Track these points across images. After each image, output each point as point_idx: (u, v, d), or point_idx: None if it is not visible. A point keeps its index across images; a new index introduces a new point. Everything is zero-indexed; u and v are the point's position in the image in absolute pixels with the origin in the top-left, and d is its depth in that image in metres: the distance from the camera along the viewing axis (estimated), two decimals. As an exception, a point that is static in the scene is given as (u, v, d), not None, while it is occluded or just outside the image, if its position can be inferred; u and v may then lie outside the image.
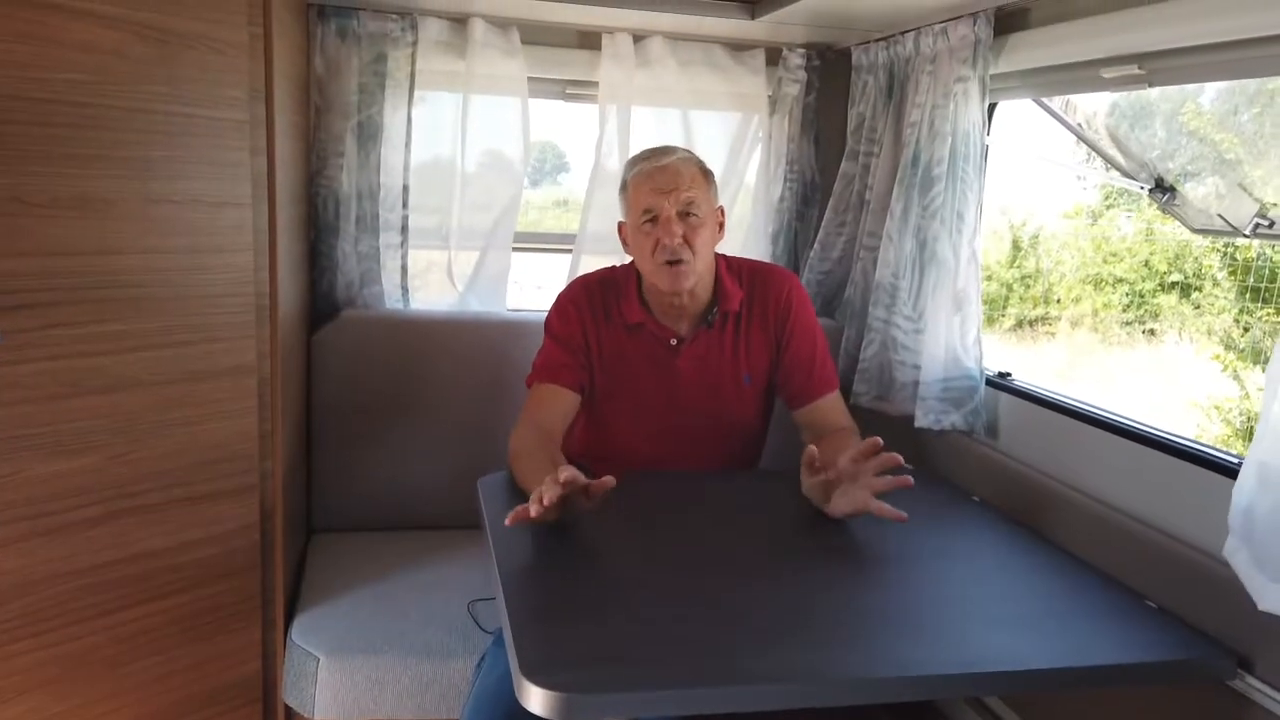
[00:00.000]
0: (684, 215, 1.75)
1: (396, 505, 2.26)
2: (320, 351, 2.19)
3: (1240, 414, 5.74)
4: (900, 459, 1.50)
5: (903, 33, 2.13)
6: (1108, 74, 1.70)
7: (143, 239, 1.55)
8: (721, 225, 1.86)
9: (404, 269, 2.34)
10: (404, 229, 2.32)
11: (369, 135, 2.24)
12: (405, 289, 2.36)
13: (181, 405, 1.63)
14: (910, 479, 1.48)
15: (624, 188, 1.85)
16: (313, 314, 2.28)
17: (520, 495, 1.64)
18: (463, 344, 2.28)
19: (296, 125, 2.02)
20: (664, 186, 1.75)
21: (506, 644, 1.21)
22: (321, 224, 2.25)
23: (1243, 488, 1.22)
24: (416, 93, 2.26)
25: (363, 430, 2.23)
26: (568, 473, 1.37)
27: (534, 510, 1.36)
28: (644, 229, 1.78)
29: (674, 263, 1.75)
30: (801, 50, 2.43)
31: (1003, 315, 9.12)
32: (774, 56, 2.45)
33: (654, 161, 1.79)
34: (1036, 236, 9.29)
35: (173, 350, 1.61)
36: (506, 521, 1.38)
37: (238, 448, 1.70)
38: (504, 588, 1.32)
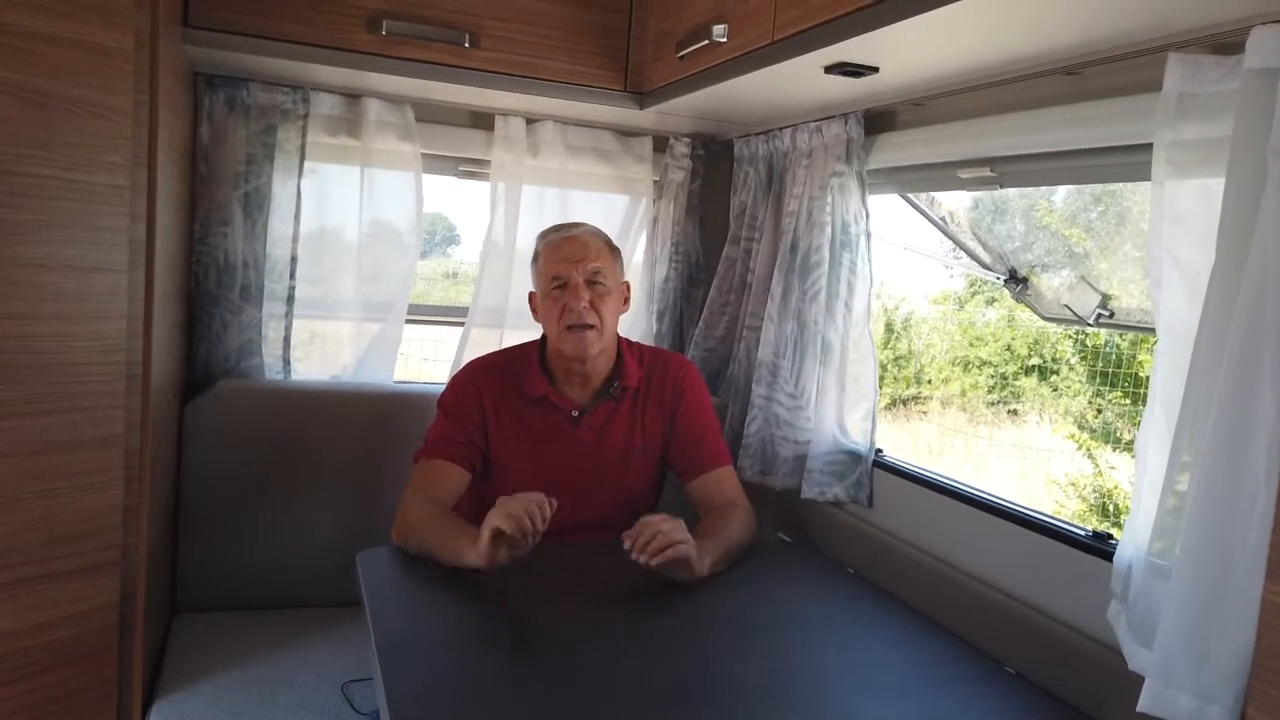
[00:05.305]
0: (591, 283, 1.82)
1: (269, 583, 2.17)
2: (194, 423, 2.12)
3: (1093, 490, 6.10)
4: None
5: (780, 129, 2.26)
6: (964, 174, 1.85)
7: (7, 304, 1.48)
8: (627, 300, 1.94)
9: (287, 340, 2.30)
10: (290, 299, 2.28)
11: (256, 205, 2.21)
12: (287, 360, 2.31)
13: (40, 477, 1.54)
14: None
15: (535, 258, 1.91)
16: (187, 384, 2.20)
17: (410, 569, 1.62)
18: (345, 416, 2.24)
19: (180, 193, 1.99)
20: (572, 256, 1.83)
21: (383, 725, 1.18)
22: (202, 293, 2.20)
23: (1121, 555, 1.31)
24: (307, 164, 2.26)
25: (236, 505, 2.15)
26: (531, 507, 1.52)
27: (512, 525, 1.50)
28: (553, 295, 1.84)
29: (580, 328, 1.80)
30: (687, 139, 2.55)
31: (879, 394, 9.48)
32: (661, 144, 2.56)
33: (563, 233, 1.88)
34: (909, 320, 9.75)
35: (34, 420, 1.53)
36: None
37: (99, 522, 1.62)
38: (381, 666, 1.29)
